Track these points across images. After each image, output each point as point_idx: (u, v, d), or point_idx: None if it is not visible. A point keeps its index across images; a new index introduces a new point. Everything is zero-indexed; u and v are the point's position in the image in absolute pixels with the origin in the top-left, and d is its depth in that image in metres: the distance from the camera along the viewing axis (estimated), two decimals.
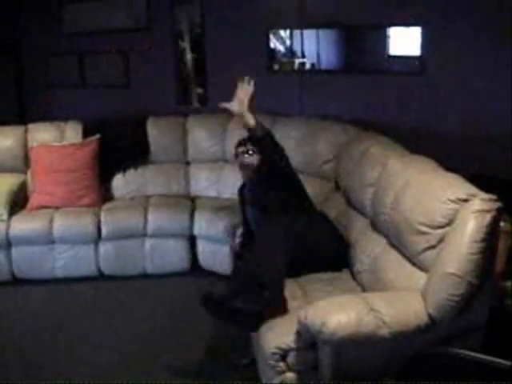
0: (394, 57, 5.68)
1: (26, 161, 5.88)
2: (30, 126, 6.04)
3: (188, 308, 4.77)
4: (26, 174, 5.88)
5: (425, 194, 3.30)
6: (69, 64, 7.59)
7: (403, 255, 3.40)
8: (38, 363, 4.17)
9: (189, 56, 6.93)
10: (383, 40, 5.68)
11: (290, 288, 3.75)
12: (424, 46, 5.23)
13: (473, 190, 3.10)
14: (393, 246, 3.55)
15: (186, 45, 6.93)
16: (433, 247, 3.14)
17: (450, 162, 3.67)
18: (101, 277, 5.38)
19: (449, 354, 2.94)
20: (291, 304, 3.55)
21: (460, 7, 5.01)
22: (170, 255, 5.24)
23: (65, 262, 5.39)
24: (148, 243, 5.42)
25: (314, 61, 6.20)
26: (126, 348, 4.33)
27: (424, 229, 3.18)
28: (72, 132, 5.91)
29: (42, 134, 5.95)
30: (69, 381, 3.91)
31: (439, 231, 3.11)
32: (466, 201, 3.04)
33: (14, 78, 7.84)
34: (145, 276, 5.43)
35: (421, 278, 3.16)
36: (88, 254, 5.38)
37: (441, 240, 3.10)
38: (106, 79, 7.27)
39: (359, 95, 5.79)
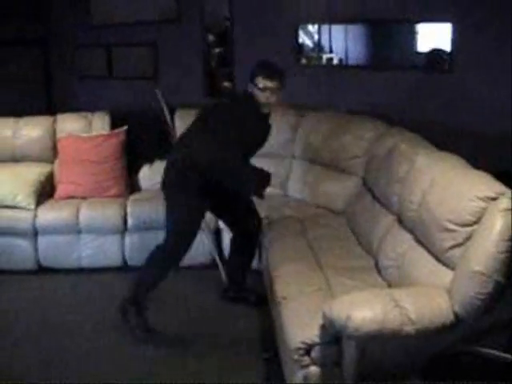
0: (422, 53, 5.66)
1: (53, 151, 5.91)
2: (59, 117, 6.07)
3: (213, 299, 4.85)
4: (53, 163, 5.91)
5: (453, 191, 3.28)
6: (96, 56, 7.64)
7: (430, 252, 3.38)
8: (58, 354, 4.20)
9: (216, 49, 6.95)
10: (412, 36, 5.67)
11: (315, 280, 3.77)
12: (454, 42, 5.20)
13: (501, 188, 3.08)
14: (419, 242, 3.53)
15: (213, 38, 6.95)
16: (460, 245, 3.12)
17: (478, 160, 3.65)
18: (125, 267, 5.39)
19: (474, 352, 2.93)
20: (316, 295, 3.56)
21: (491, 4, 4.97)
22: (195, 247, 5.23)
23: (90, 251, 5.42)
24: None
25: (342, 56, 6.19)
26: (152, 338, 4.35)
27: (451, 226, 3.16)
28: (100, 123, 5.94)
29: (70, 125, 5.98)
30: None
31: (466, 229, 3.09)
32: (494, 199, 3.03)
33: (43, 70, 7.90)
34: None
35: (447, 275, 3.14)
36: (113, 245, 5.41)
37: (468, 238, 3.08)
38: (133, 71, 7.30)
39: (386, 91, 5.77)
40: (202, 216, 4.53)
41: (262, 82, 4.21)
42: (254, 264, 5.04)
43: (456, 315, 2.95)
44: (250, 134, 4.26)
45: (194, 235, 4.38)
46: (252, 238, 4.70)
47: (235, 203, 4.58)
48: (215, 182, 4.20)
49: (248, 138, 4.23)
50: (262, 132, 4.37)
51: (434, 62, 5.53)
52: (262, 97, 4.23)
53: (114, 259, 5.43)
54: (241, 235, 4.71)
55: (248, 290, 4.80)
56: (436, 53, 5.50)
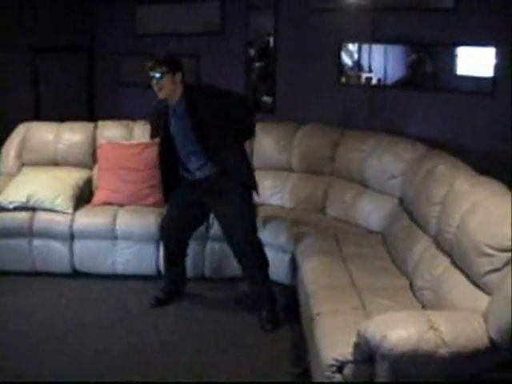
0: (462, 76, 5.66)
1: (93, 157, 5.99)
2: (100, 123, 6.17)
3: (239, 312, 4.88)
4: (92, 169, 6.00)
5: (492, 216, 3.29)
6: (139, 64, 7.71)
7: (466, 276, 3.38)
8: (88, 356, 4.26)
9: (257, 64, 7.01)
10: (451, 59, 5.67)
11: (350, 298, 3.79)
12: (497, 67, 5.19)
13: None
14: (456, 265, 3.52)
15: (254, 52, 7.01)
16: (497, 270, 3.11)
17: None
18: (159, 276, 5.41)
19: (508, 380, 2.92)
20: (350, 313, 3.57)
21: None
22: (229, 260, 5.25)
23: (125, 258, 5.46)
24: (209, 246, 5.44)
25: (381, 76, 6.21)
26: (184, 346, 4.40)
27: (490, 251, 3.16)
28: (140, 131, 6.01)
29: (110, 132, 6.07)
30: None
31: (505, 254, 3.08)
32: None
33: (87, 77, 8.03)
34: (203, 278, 5.46)
35: (484, 300, 3.13)
36: (149, 253, 5.43)
37: (506, 263, 3.07)
38: None
39: (424, 112, 5.78)
40: None
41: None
42: (286, 279, 5.09)
43: (491, 341, 2.92)
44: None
45: None
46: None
47: None
48: None
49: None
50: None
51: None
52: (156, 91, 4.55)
53: (148, 267, 5.47)
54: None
55: (261, 305, 4.78)
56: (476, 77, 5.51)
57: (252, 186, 4.76)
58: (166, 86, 4.47)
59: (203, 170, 4.65)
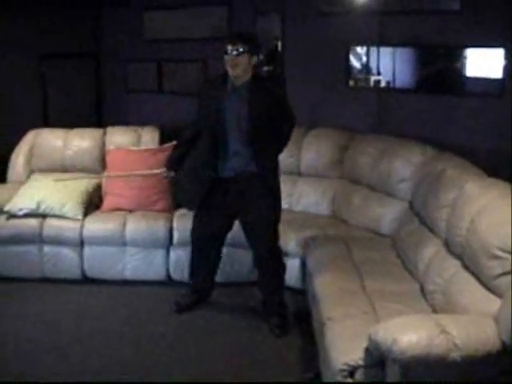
0: (472, 78, 5.64)
1: (102, 163, 6.00)
2: (108, 129, 6.18)
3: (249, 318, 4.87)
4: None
5: (503, 218, 3.27)
6: (147, 70, 7.76)
7: (477, 279, 3.36)
8: (98, 362, 4.26)
9: (265, 68, 7.00)
10: (460, 61, 5.65)
11: (360, 302, 3.77)
12: (506, 68, 5.17)
13: None
14: (467, 268, 3.51)
15: (262, 57, 7.00)
16: (508, 273, 3.11)
17: None
18: (169, 282, 5.42)
19: None
20: (361, 318, 3.56)
21: None
22: (241, 265, 5.23)
23: (135, 264, 5.46)
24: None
25: (390, 79, 6.19)
26: (193, 352, 4.39)
27: (500, 253, 3.15)
28: (149, 137, 6.01)
29: (119, 138, 6.08)
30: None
31: None
32: None
33: (95, 83, 8.05)
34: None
35: (495, 303, 3.12)
36: (158, 259, 5.43)
37: None
38: (183, 87, 7.40)
39: (434, 115, 5.76)
40: None
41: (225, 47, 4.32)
42: (296, 284, 5.07)
43: (503, 344, 2.91)
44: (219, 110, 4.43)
45: None
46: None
47: None
48: None
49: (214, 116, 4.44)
50: (235, 104, 4.43)
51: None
52: (227, 66, 4.34)
53: (158, 273, 5.46)
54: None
55: (273, 310, 4.76)
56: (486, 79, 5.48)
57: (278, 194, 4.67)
58: (241, 64, 4.29)
59: (240, 159, 4.50)
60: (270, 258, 4.67)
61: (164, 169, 4.92)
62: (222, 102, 4.42)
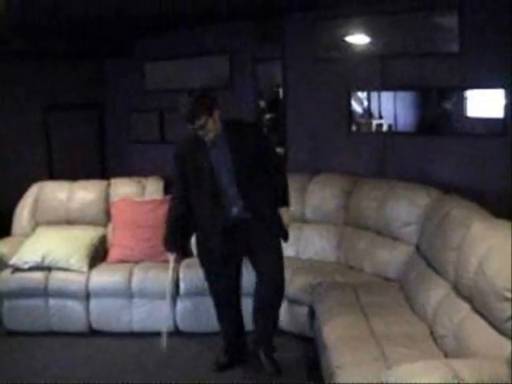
0: (472, 118, 5.65)
1: (107, 214, 6.02)
2: (112, 181, 6.21)
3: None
4: (106, 227, 6.02)
5: (510, 259, 3.23)
6: (149, 120, 7.80)
7: (488, 322, 3.32)
8: None
9: (268, 115, 7.04)
10: (461, 102, 5.68)
11: (370, 348, 3.72)
12: (507, 108, 5.18)
13: None
14: (477, 311, 3.47)
15: (264, 104, 7.05)
16: None
17: None
18: (177, 332, 5.37)
19: None
20: (371, 365, 3.51)
21: None
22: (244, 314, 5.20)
23: (142, 316, 5.43)
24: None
25: (391, 122, 6.21)
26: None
27: (510, 295, 3.11)
28: (153, 188, 6.04)
29: (123, 189, 6.10)
30: None
31: None
32: None
33: (97, 134, 8.10)
34: None
35: (507, 346, 3.07)
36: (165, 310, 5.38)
37: None
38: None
39: (437, 156, 5.75)
40: None
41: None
42: (303, 331, 5.02)
43: None
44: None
45: None
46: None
47: None
48: None
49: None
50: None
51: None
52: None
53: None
54: None
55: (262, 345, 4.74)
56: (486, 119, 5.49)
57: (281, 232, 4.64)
58: (209, 130, 4.28)
59: (238, 205, 4.48)
60: (280, 293, 4.63)
61: (174, 263, 4.84)
62: (207, 155, 4.42)
